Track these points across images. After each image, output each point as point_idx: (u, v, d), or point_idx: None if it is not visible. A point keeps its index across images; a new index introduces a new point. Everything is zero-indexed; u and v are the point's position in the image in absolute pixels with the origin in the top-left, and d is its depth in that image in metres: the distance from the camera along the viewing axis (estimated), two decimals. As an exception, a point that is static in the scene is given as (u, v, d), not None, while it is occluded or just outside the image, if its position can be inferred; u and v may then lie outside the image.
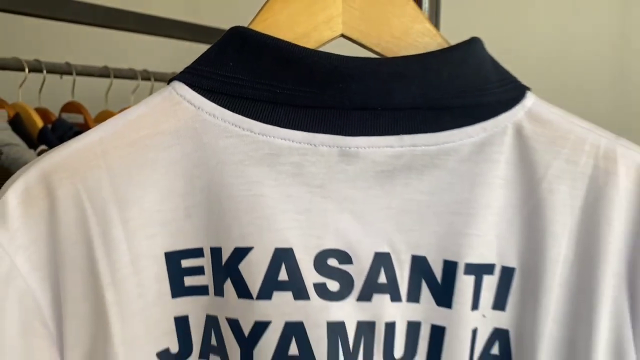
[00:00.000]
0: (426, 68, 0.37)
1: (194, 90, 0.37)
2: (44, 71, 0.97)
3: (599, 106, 1.28)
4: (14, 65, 0.93)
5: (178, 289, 0.37)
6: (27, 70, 0.94)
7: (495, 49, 0.40)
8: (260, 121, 0.37)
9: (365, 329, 0.37)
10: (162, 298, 0.37)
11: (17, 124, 0.89)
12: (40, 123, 0.95)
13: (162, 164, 0.36)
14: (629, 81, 1.29)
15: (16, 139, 0.86)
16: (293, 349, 0.36)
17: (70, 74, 1.01)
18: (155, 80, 1.14)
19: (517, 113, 0.38)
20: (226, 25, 0.40)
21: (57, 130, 0.95)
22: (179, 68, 0.40)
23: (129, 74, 1.11)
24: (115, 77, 1.07)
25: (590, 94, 1.29)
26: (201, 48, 0.42)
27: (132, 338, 0.37)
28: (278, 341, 0.36)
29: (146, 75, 1.13)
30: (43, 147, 0.88)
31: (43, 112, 0.98)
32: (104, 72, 1.06)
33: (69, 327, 0.36)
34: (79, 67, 1.02)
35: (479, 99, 0.37)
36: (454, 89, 0.37)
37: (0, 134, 0.84)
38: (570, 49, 1.31)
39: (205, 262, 0.37)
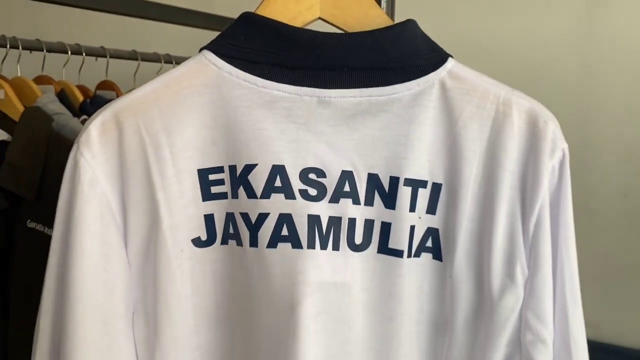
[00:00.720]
0: (375, 39, 0.53)
1: (217, 56, 0.53)
2: (83, 54, 1.13)
3: (566, 102, 1.42)
4: (59, 49, 1.10)
5: (206, 195, 0.54)
6: (69, 52, 1.11)
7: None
8: (262, 77, 0.53)
9: (334, 221, 0.54)
10: (196, 201, 0.54)
11: (63, 97, 1.06)
12: (81, 97, 1.11)
13: (195, 106, 0.53)
14: (593, 79, 1.42)
15: (63, 109, 1.03)
16: (284, 231, 0.53)
17: (105, 56, 1.17)
18: (176, 62, 1.30)
19: (441, 72, 0.54)
20: (236, 14, 0.55)
21: (95, 104, 1.11)
22: (196, 52, 0.55)
23: (154, 57, 1.27)
24: (142, 60, 1.24)
25: (557, 94, 1.43)
26: (214, 34, 0.57)
27: (175, 228, 0.53)
28: (274, 226, 0.53)
29: (168, 59, 1.29)
30: (84, 117, 1.05)
31: (82, 89, 1.15)
32: (132, 56, 1.23)
33: (131, 220, 0.53)
34: (111, 51, 1.18)
35: (413, 62, 0.53)
36: (395, 54, 0.53)
37: (51, 104, 1.01)
38: (538, 50, 1.45)
39: (225, 176, 0.54)
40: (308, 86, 0.53)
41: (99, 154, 0.52)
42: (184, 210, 0.53)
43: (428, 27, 0.55)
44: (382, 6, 0.59)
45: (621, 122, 1.39)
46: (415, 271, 0.56)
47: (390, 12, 0.60)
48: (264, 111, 0.53)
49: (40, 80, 1.09)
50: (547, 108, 0.55)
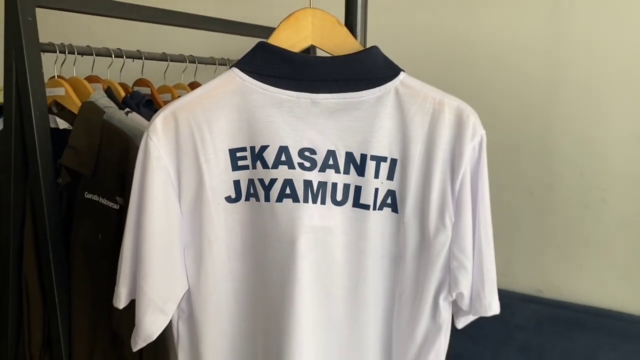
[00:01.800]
0: (349, 60, 0.77)
1: (241, 71, 0.78)
2: (124, 57, 1.38)
3: (530, 92, 1.63)
4: (105, 53, 1.34)
5: (235, 166, 0.79)
6: (113, 56, 1.35)
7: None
8: (272, 86, 0.77)
9: (322, 185, 0.78)
10: (227, 171, 0.78)
11: (110, 93, 1.30)
12: (123, 93, 1.36)
13: (227, 106, 0.77)
14: (556, 73, 1.62)
15: (111, 103, 1.27)
16: (288, 191, 0.77)
17: (140, 58, 1.42)
18: (198, 62, 1.54)
19: (395, 82, 0.78)
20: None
21: (134, 99, 1.36)
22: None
23: (180, 58, 1.51)
24: (171, 60, 1.48)
25: (524, 84, 1.64)
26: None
27: (213, 189, 0.78)
28: (280, 187, 0.77)
29: (192, 59, 1.53)
30: (127, 109, 1.29)
31: (124, 86, 1.39)
32: (163, 57, 1.47)
33: (184, 183, 0.78)
34: (146, 54, 1.42)
35: (376, 75, 0.77)
36: (363, 70, 0.77)
37: (102, 99, 1.26)
38: (507, 44, 1.65)
39: (247, 153, 0.78)
40: (304, 92, 0.77)
41: (162, 138, 0.77)
42: (219, 177, 0.78)
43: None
44: (356, 35, 0.82)
45: (579, 109, 1.59)
46: (379, 220, 0.80)
47: (363, 38, 0.84)
48: (274, 109, 0.77)
49: (91, 79, 1.33)
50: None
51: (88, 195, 1.21)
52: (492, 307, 0.80)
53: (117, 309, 1.15)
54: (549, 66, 1.62)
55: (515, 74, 1.65)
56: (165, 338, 1.23)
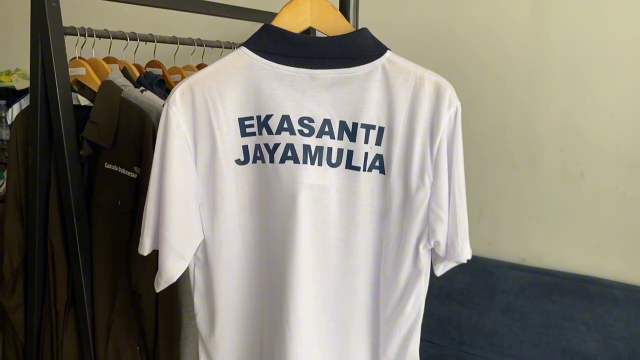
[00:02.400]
0: (342, 40, 0.88)
1: (249, 50, 0.89)
2: (138, 40, 1.49)
3: (515, 75, 1.74)
4: (120, 36, 1.46)
5: (243, 133, 0.91)
6: (127, 39, 1.47)
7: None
8: (276, 62, 0.89)
9: (319, 149, 0.90)
10: (237, 137, 0.90)
11: (126, 73, 1.42)
12: (137, 73, 1.47)
13: (237, 80, 0.89)
14: (542, 57, 1.73)
15: (127, 82, 1.39)
16: (289, 154, 0.89)
17: (152, 41, 1.53)
18: (206, 46, 1.66)
19: (382, 59, 0.89)
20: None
21: (147, 78, 1.47)
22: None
23: (189, 42, 1.63)
24: (180, 44, 1.59)
25: (508, 68, 1.75)
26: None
27: (225, 152, 0.90)
28: (283, 151, 0.89)
29: (200, 43, 1.65)
30: (142, 88, 1.41)
31: (138, 67, 1.51)
32: (173, 40, 1.58)
33: (199, 147, 0.90)
34: (157, 37, 1.54)
35: (365, 53, 0.89)
36: (355, 49, 0.89)
37: (119, 79, 1.37)
38: (493, 35, 1.76)
39: (254, 121, 0.90)
40: (303, 67, 0.89)
41: (181, 108, 0.89)
42: (230, 142, 0.90)
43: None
44: (349, 18, 0.94)
45: (559, 89, 1.71)
46: (368, 180, 0.92)
47: (355, 21, 0.95)
48: (277, 82, 0.89)
49: (108, 60, 1.45)
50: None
51: (108, 166, 1.33)
52: (464, 252, 0.92)
53: (135, 268, 1.29)
54: (531, 49, 1.73)
55: (500, 56, 1.77)
56: (178, 295, 1.36)
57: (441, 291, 1.82)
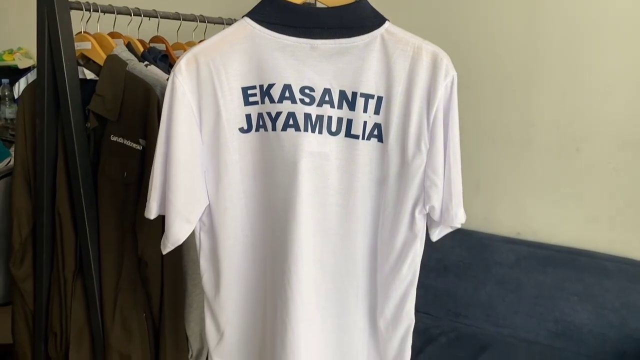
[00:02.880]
0: (342, 11, 0.91)
1: (252, 20, 0.92)
2: (142, 15, 1.52)
3: (516, 56, 1.77)
4: (125, 11, 1.48)
5: (246, 102, 0.94)
6: (132, 14, 1.49)
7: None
8: (278, 32, 0.91)
9: (319, 117, 0.93)
10: (240, 106, 0.94)
11: (130, 48, 1.45)
12: (141, 48, 1.50)
13: (240, 50, 0.92)
14: (540, 37, 1.75)
15: (132, 56, 1.41)
16: (291, 122, 0.92)
17: (156, 17, 1.56)
18: (208, 22, 1.68)
19: (381, 30, 0.92)
20: None
21: (151, 53, 1.51)
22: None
23: (191, 18, 1.65)
24: (183, 20, 1.62)
25: (508, 52, 1.78)
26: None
27: (229, 121, 0.93)
28: (285, 119, 0.92)
29: (202, 19, 1.67)
30: (146, 62, 1.44)
31: (142, 42, 1.53)
32: (176, 16, 1.60)
33: (204, 116, 0.93)
34: (160, 13, 1.56)
35: (365, 23, 0.92)
36: (354, 19, 0.92)
37: (124, 53, 1.40)
38: (493, 16, 1.79)
39: (257, 91, 0.93)
40: (304, 37, 0.92)
41: (186, 77, 0.92)
42: (233, 111, 0.94)
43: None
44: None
45: (556, 68, 1.74)
46: (367, 148, 0.95)
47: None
48: (279, 52, 0.92)
49: (113, 35, 1.47)
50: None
51: (114, 138, 1.36)
52: (458, 217, 0.96)
53: (141, 237, 1.33)
54: (529, 28, 1.75)
55: (498, 35, 1.79)
56: (183, 264, 1.41)
57: (438, 264, 1.87)
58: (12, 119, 2.97)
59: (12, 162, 1.84)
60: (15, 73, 2.98)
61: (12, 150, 1.91)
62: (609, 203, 1.70)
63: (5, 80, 2.94)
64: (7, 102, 2.95)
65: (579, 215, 1.75)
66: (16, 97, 1.57)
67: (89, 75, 1.40)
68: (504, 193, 1.87)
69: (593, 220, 1.73)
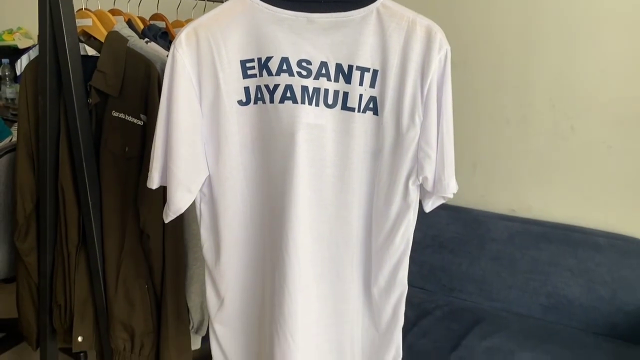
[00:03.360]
0: None
1: (250, -6, 0.95)
2: (141, -8, 1.53)
3: (512, 36, 1.79)
4: (125, -11, 1.50)
5: (245, 75, 0.96)
6: (131, -8, 1.51)
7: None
8: (275, 6, 0.93)
9: (316, 90, 0.96)
10: (239, 78, 0.96)
11: (131, 25, 1.46)
12: (142, 25, 1.52)
13: (239, 24, 0.94)
14: (536, 17, 1.77)
15: (133, 33, 1.43)
16: (288, 94, 0.95)
17: (156, -6, 1.57)
18: (207, 0, 1.70)
19: (377, 4, 0.94)
20: None
21: (151, 30, 1.52)
22: None
23: (191, -4, 1.67)
24: (182, -3, 1.64)
25: (505, 32, 1.79)
26: None
27: (228, 93, 0.96)
28: (282, 91, 0.95)
29: (201, -3, 1.69)
30: (146, 39, 1.46)
31: (142, 19, 1.55)
32: (175, -6, 1.62)
33: (204, 88, 0.96)
34: (160, -10, 1.58)
35: (361, -1, 0.94)
36: None
37: (125, 30, 1.42)
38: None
39: (255, 64, 0.96)
40: (301, 11, 0.94)
41: (186, 50, 0.94)
42: (232, 83, 0.96)
43: None
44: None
45: (552, 47, 1.75)
46: (363, 121, 0.98)
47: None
48: (277, 26, 0.94)
49: (113, 12, 1.49)
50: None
51: (115, 114, 1.39)
52: (450, 187, 0.99)
53: (143, 210, 1.36)
54: (525, 8, 1.77)
55: (496, 15, 1.81)
56: (184, 237, 1.44)
57: (434, 241, 1.91)
58: (12, 99, 2.99)
59: (14, 140, 1.87)
60: (15, 53, 2.99)
61: (13, 129, 1.94)
62: (602, 181, 1.73)
63: (5, 60, 2.96)
64: (7, 82, 2.97)
65: (573, 193, 1.78)
66: (18, 73, 1.59)
67: (90, 51, 1.42)
68: (500, 171, 1.90)
69: (587, 197, 1.76)
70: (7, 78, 2.95)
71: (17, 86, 2.97)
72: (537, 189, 1.85)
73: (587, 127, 1.73)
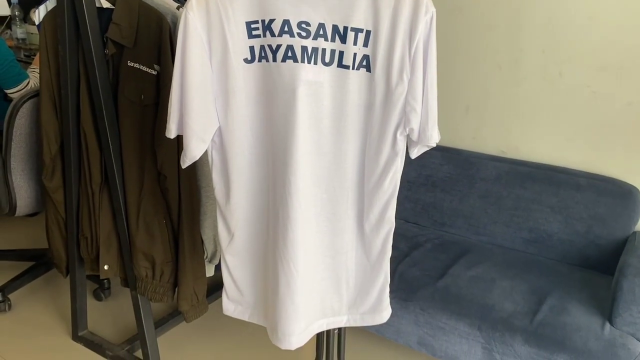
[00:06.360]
0: None
1: (254, -37, 1.03)
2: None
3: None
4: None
5: (250, 35, 1.07)
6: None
7: None
8: (278, -25, 1.03)
9: (315, 50, 1.06)
10: (244, 38, 1.07)
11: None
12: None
13: (245, -9, 1.04)
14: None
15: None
16: (289, 54, 1.06)
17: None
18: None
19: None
20: None
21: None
22: None
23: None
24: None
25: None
26: None
27: (235, 52, 1.07)
28: (284, 51, 1.06)
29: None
30: (156, -9, 1.54)
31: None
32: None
33: (213, 47, 1.07)
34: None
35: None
36: None
37: (136, -17, 1.50)
38: None
39: (259, 25, 1.06)
40: (301, -20, 1.03)
41: (197, 14, 1.04)
42: (239, 43, 1.07)
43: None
44: None
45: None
46: (357, 77, 1.09)
47: None
48: (279, -7, 1.04)
49: (124, -35, 1.56)
50: None
51: (130, 64, 1.49)
52: (433, 137, 1.11)
53: (160, 152, 1.50)
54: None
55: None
56: (197, 177, 1.59)
57: (427, 180, 2.05)
58: (23, 39, 3.07)
59: (30, 85, 1.99)
60: (23, -7, 3.04)
61: (27, 71, 2.05)
62: (586, 123, 1.84)
63: (14, 0, 3.01)
64: (17, 22, 3.03)
65: (559, 135, 1.90)
66: (37, 23, 1.68)
67: (105, 4, 1.51)
68: (492, 114, 2.01)
69: (571, 139, 1.88)
70: (17, 18, 3.01)
71: (27, 26, 3.04)
72: (525, 131, 1.96)
73: (574, 72, 1.82)
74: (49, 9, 1.59)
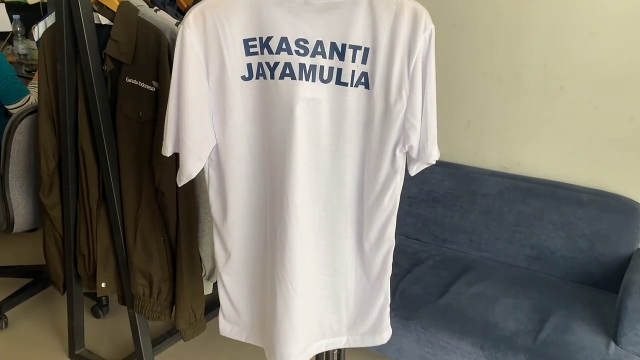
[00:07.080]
0: None
1: (252, -21, 1.03)
2: (149, -39, 1.60)
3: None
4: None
5: (247, 53, 1.06)
6: (140, -40, 1.57)
7: None
8: (275, -11, 1.02)
9: (313, 67, 1.05)
10: (242, 56, 1.06)
11: (140, -6, 1.54)
12: (150, -6, 1.60)
13: (241, 5, 1.03)
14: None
15: (143, 2, 1.51)
16: (287, 71, 1.05)
17: (163, -38, 1.64)
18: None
19: (368, -12, 1.03)
20: None
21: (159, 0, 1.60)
22: None
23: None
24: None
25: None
26: None
27: (232, 69, 1.06)
28: (282, 69, 1.05)
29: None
30: (155, 8, 1.54)
31: (150, -13, 1.63)
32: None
33: (210, 65, 1.06)
34: (167, -42, 1.64)
35: (353, -17, 1.02)
36: None
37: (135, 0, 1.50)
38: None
39: (257, 42, 1.05)
40: (299, -5, 1.03)
41: (194, 31, 1.03)
42: (236, 60, 1.06)
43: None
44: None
45: (544, 9, 1.81)
46: (355, 94, 1.08)
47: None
48: (277, 8, 1.03)
49: (123, -19, 1.56)
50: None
51: (129, 80, 1.49)
52: (433, 154, 1.10)
53: (158, 169, 1.49)
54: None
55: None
56: (195, 194, 1.57)
57: (428, 196, 2.03)
58: (25, 55, 3.08)
59: (31, 100, 1.99)
60: (25, 9, 3.06)
61: (28, 86, 2.05)
62: (587, 139, 1.82)
63: (16, 16, 3.02)
64: (19, 38, 3.04)
65: (560, 151, 1.88)
66: (36, 39, 1.68)
67: (104, 20, 1.51)
68: (492, 129, 1.99)
69: (573, 155, 1.86)
70: (19, 34, 3.03)
71: (28, 42, 3.05)
72: (527, 146, 1.95)
73: (575, 87, 1.81)
74: (48, 25, 1.59)
